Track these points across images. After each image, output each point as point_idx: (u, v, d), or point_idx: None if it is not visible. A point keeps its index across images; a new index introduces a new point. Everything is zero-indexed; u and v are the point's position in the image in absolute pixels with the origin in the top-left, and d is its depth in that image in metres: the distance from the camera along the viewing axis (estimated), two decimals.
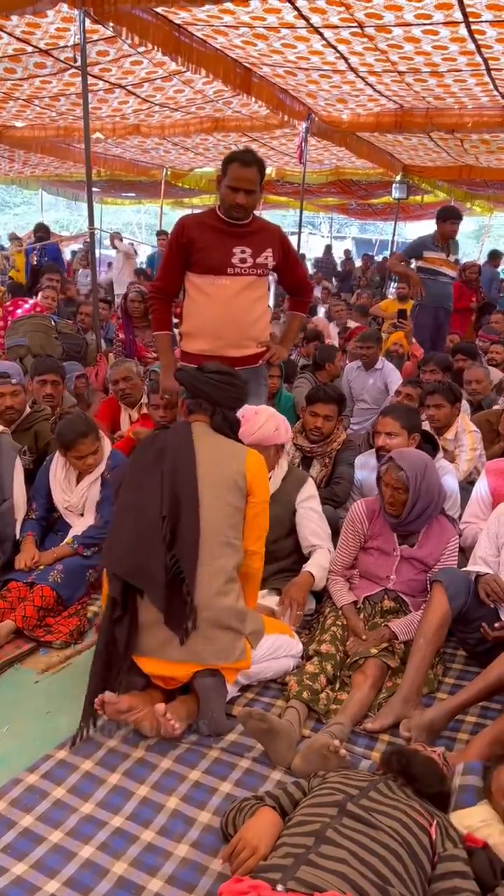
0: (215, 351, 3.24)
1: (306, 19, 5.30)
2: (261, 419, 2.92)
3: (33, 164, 11.96)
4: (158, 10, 5.20)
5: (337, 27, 5.43)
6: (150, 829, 1.95)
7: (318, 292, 12.11)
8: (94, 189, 13.81)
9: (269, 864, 1.61)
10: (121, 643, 2.27)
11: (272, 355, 3.45)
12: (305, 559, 3.03)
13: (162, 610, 2.23)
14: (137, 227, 23.28)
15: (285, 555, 3.02)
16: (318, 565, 2.91)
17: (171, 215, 18.68)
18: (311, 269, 15.03)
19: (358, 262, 15.94)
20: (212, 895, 1.74)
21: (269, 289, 3.51)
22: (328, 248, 16.87)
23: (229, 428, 2.56)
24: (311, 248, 19.48)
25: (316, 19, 5.31)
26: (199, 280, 3.23)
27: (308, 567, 2.91)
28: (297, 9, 5.08)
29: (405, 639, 2.65)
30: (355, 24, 5.32)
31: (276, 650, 2.53)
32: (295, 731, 2.26)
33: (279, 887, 1.50)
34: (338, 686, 2.56)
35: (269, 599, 2.84)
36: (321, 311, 10.71)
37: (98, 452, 3.21)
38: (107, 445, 3.31)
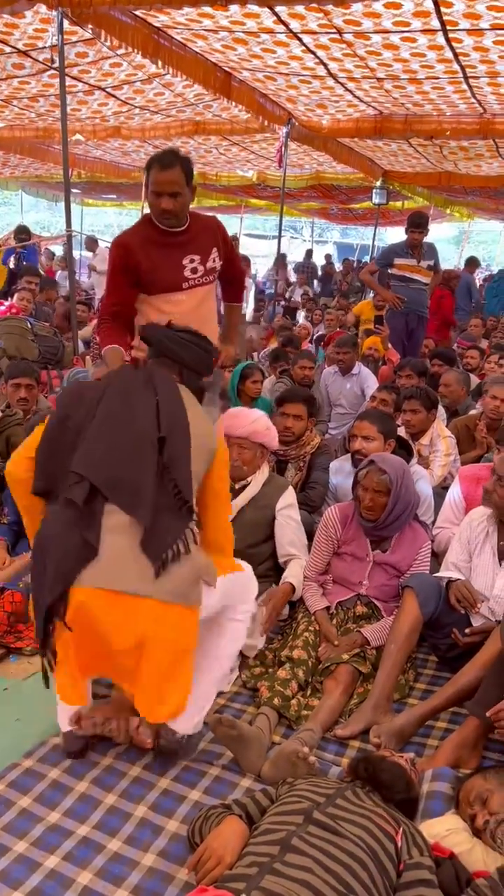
0: None
1: (285, 24, 5.32)
2: (254, 415, 2.98)
3: (13, 165, 11.89)
4: (138, 12, 5.19)
5: (316, 33, 5.45)
6: (116, 838, 1.93)
7: (298, 296, 12.14)
8: (74, 190, 13.81)
9: (234, 874, 1.60)
10: (72, 553, 1.92)
11: (224, 358, 3.27)
12: (278, 566, 3.03)
13: (148, 526, 1.96)
14: (119, 228, 23.21)
15: (260, 561, 2.99)
16: (296, 576, 2.92)
17: None
18: (292, 274, 15.05)
19: (339, 266, 15.98)
20: None
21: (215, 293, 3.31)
22: (309, 253, 16.91)
23: (198, 387, 2.36)
24: (291, 251, 19.53)
25: (295, 25, 5.33)
26: (155, 299, 2.97)
27: (288, 578, 2.90)
28: (275, 14, 5.10)
29: (377, 644, 2.65)
30: (334, 31, 5.35)
31: (229, 601, 2.25)
32: (265, 737, 2.26)
33: None
34: (309, 692, 2.55)
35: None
36: (301, 315, 10.73)
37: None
38: None
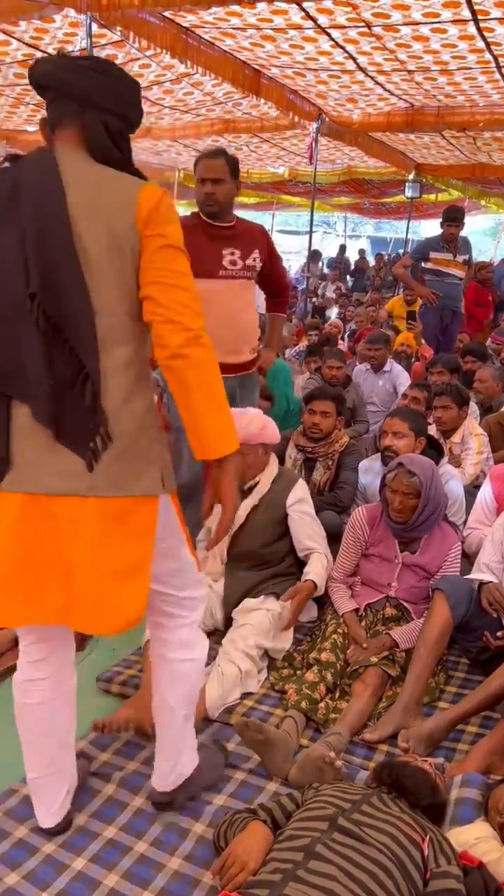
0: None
1: (313, 20, 5.28)
2: (245, 418, 2.89)
3: None
4: (166, 13, 5.20)
5: (344, 27, 5.40)
6: (143, 840, 1.94)
7: (331, 292, 12.07)
8: None
9: (258, 880, 1.59)
10: None
11: (263, 361, 3.40)
12: (300, 562, 3.01)
13: (49, 423, 1.55)
14: None
15: (278, 559, 2.99)
16: (318, 573, 2.89)
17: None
18: (325, 269, 15.00)
19: (372, 261, 15.86)
20: None
21: (254, 293, 3.44)
22: (342, 248, 16.82)
23: (116, 147, 1.64)
24: (325, 247, 19.42)
25: (323, 20, 5.29)
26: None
27: (309, 576, 2.88)
28: (303, 10, 5.07)
29: (406, 647, 2.62)
30: (363, 24, 5.29)
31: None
32: (292, 741, 2.25)
33: None
34: (337, 695, 2.53)
35: (268, 604, 2.81)
36: (334, 311, 10.66)
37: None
38: None
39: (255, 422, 2.92)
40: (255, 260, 3.22)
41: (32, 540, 1.56)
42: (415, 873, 1.63)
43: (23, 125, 8.88)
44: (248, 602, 2.79)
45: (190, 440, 1.63)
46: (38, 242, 1.52)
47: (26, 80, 6.42)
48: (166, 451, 1.70)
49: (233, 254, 3.16)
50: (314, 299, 11.06)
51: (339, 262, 15.23)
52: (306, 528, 3.00)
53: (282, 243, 18.08)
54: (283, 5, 4.99)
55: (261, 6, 5.03)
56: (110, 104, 1.62)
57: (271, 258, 3.35)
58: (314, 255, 14.48)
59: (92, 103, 1.60)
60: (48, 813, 1.92)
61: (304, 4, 4.95)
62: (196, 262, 3.02)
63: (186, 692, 1.90)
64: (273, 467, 3.07)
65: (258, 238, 3.28)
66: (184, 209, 15.48)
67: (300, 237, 21.66)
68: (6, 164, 1.61)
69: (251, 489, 3.01)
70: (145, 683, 2.42)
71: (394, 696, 2.49)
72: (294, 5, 4.98)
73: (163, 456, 1.67)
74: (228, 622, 2.84)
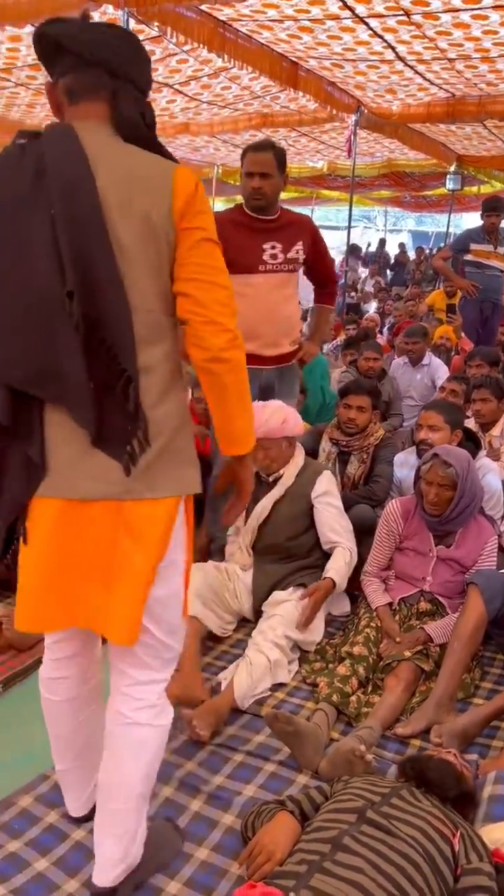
0: (251, 351, 3.18)
1: (351, 10, 5.22)
2: (266, 412, 2.87)
3: None
4: (203, 7, 5.20)
5: (383, 16, 5.32)
6: None
7: (369, 287, 11.98)
8: None
9: (284, 871, 1.58)
10: (16, 479, 1.49)
11: (305, 353, 3.39)
12: (328, 555, 2.98)
13: (90, 426, 1.45)
14: None
15: (305, 552, 2.97)
16: (338, 570, 2.84)
17: None
18: (360, 265, 14.87)
19: (412, 255, 15.68)
20: None
21: (297, 285, 3.42)
22: (382, 242, 16.67)
23: (145, 124, 1.52)
24: (365, 242, 19.25)
25: (361, 9, 5.22)
26: (232, 279, 3.09)
27: (329, 573, 2.84)
28: (342, 0, 5.02)
29: (440, 642, 2.58)
30: (401, 13, 5.21)
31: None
32: (323, 734, 2.23)
33: (291, 894, 1.47)
34: (370, 689, 2.51)
35: (297, 595, 2.80)
36: (373, 306, 10.57)
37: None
38: None
39: (276, 415, 2.89)
40: (297, 252, 3.19)
41: (69, 546, 1.49)
42: (444, 868, 1.60)
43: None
44: (278, 594, 2.78)
45: (219, 437, 1.60)
46: (71, 233, 1.38)
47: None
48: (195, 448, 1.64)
49: (274, 247, 3.13)
50: (352, 294, 10.97)
51: (379, 257, 15.08)
52: (330, 520, 2.96)
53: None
54: None
55: None
56: (138, 78, 1.50)
57: (317, 249, 3.32)
58: (353, 250, 14.38)
59: (123, 74, 1.47)
60: (76, 803, 1.91)
61: None
62: (235, 256, 3.01)
63: (148, 764, 1.64)
64: (298, 459, 3.03)
65: (303, 229, 3.24)
66: (223, 205, 15.54)
67: (340, 232, 21.52)
68: (22, 141, 1.45)
69: (275, 481, 2.99)
70: (186, 658, 2.42)
71: (427, 691, 2.45)
72: None
73: (195, 455, 1.62)
74: (258, 615, 2.83)
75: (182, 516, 1.59)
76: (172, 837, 1.89)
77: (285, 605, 2.71)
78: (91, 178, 1.41)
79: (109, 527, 1.49)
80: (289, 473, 2.99)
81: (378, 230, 22.27)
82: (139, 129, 1.50)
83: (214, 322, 1.49)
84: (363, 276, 13.92)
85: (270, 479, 3.01)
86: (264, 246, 3.12)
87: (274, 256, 3.14)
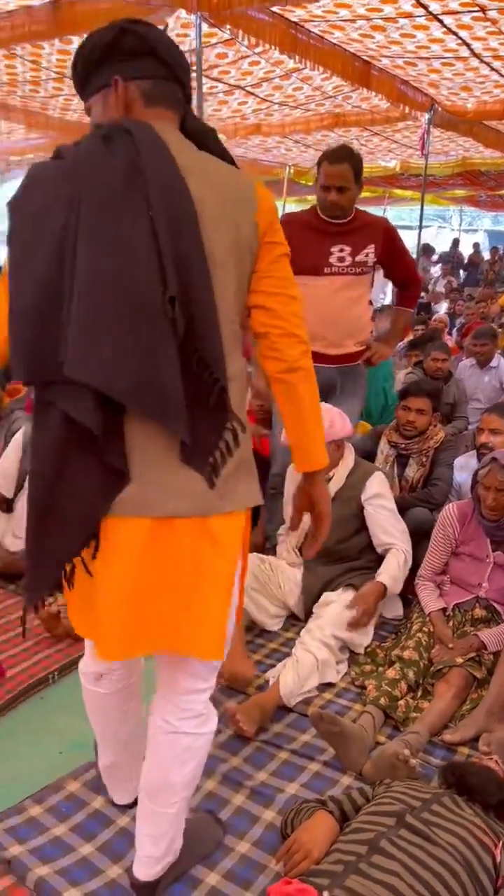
0: (314, 350, 3.17)
1: (424, 7, 5.15)
2: None
3: None
4: (274, 9, 5.22)
5: (457, 13, 5.24)
6: None
7: (441, 287, 11.80)
8: None
9: (320, 869, 1.59)
10: (95, 487, 1.38)
11: (374, 355, 3.34)
12: (380, 556, 2.97)
13: (187, 438, 1.38)
14: None
15: (355, 553, 2.96)
16: (390, 573, 2.82)
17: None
18: (437, 264, 14.64)
19: (487, 255, 15.34)
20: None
21: (370, 286, 3.39)
22: (455, 242, 16.36)
23: (211, 130, 1.53)
24: (439, 242, 18.94)
25: (435, 6, 5.15)
26: (297, 280, 3.10)
27: (381, 576, 2.82)
28: None
29: (494, 649, 2.53)
30: (477, 9, 5.11)
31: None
32: (368, 736, 2.22)
33: (325, 893, 1.48)
34: (420, 694, 2.48)
35: (346, 595, 2.80)
36: (444, 306, 10.39)
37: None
38: None
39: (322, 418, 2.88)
40: (367, 255, 3.16)
41: (155, 566, 1.42)
42: (484, 878, 1.57)
43: None
44: (328, 595, 2.79)
45: (296, 452, 1.60)
46: (171, 238, 1.34)
47: None
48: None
49: (342, 250, 3.12)
50: (423, 294, 10.82)
51: (452, 257, 14.81)
52: (383, 522, 2.93)
53: None
54: None
55: None
56: (189, 84, 1.51)
57: (394, 250, 3.30)
58: (427, 250, 14.16)
59: (186, 86, 1.48)
60: (120, 792, 1.95)
61: None
62: (301, 258, 3.00)
63: (193, 770, 1.65)
64: (348, 461, 3.01)
65: (376, 231, 3.22)
66: (294, 206, 15.54)
67: (413, 232, 21.26)
68: (103, 132, 1.38)
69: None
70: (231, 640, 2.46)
71: (478, 698, 2.41)
72: None
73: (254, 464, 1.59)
74: (308, 615, 2.85)
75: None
76: (213, 830, 1.92)
77: (334, 605, 2.71)
78: (186, 185, 1.38)
79: (194, 544, 1.43)
80: (338, 476, 2.97)
81: (453, 230, 21.86)
82: (208, 138, 1.50)
83: (292, 334, 1.51)
84: (436, 276, 13.71)
85: None
86: (332, 249, 3.11)
87: (341, 259, 3.13)
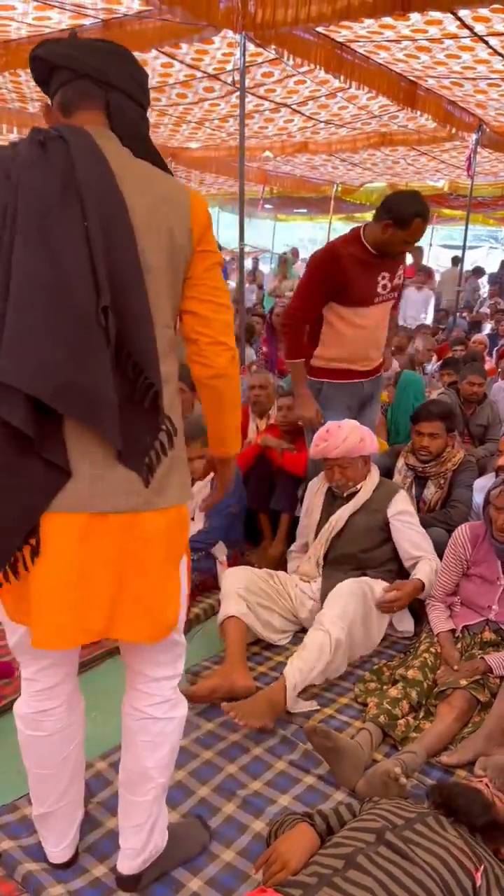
0: (356, 369, 3.35)
1: (469, 28, 5.16)
2: (344, 431, 2.96)
3: (208, 184, 12.50)
4: (319, 29, 5.29)
5: (502, 34, 5.23)
6: None
7: (486, 308, 11.68)
8: (267, 206, 14.20)
9: (295, 880, 1.59)
10: (36, 483, 1.41)
11: (385, 363, 3.52)
12: (401, 567, 2.99)
13: (117, 440, 1.43)
14: (311, 242, 23.58)
15: (378, 564, 3.01)
16: (426, 574, 2.89)
17: (342, 230, 18.76)
18: (485, 285, 14.46)
19: None
20: None
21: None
22: None
23: (146, 135, 1.56)
24: (490, 262, 18.74)
25: (480, 28, 5.16)
26: (345, 311, 3.19)
27: (418, 574, 2.89)
28: (459, 19, 4.97)
29: (501, 673, 2.49)
30: None
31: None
32: (364, 753, 2.21)
33: None
34: (422, 714, 2.46)
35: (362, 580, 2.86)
36: (487, 327, 10.28)
37: (205, 458, 3.28)
38: None
39: (353, 434, 2.98)
40: (399, 277, 3.31)
41: (89, 560, 1.46)
42: None
43: (185, 143, 9.32)
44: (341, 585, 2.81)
45: (212, 440, 1.76)
46: (105, 247, 1.38)
47: (188, 100, 6.62)
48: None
49: (384, 278, 3.23)
50: (464, 315, 10.72)
51: (501, 278, 14.62)
52: (412, 536, 2.99)
53: (441, 258, 17.66)
54: (438, 15, 4.93)
55: (414, 17, 4.99)
56: (133, 90, 1.52)
57: (404, 266, 3.45)
58: (476, 271, 14.02)
59: (113, 85, 1.49)
60: (58, 847, 1.81)
61: (460, 13, 4.86)
62: (355, 292, 3.15)
63: (166, 755, 1.70)
64: (374, 476, 3.10)
65: (400, 260, 3.35)
66: (342, 224, 15.58)
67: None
68: (40, 138, 1.41)
69: (349, 497, 3.03)
70: (230, 654, 2.58)
71: (480, 722, 2.38)
72: (449, 15, 4.90)
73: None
74: None
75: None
76: (199, 833, 1.93)
77: (349, 581, 2.78)
78: (121, 194, 1.42)
79: (127, 538, 1.49)
80: (366, 488, 3.05)
81: None
82: (142, 139, 1.53)
83: (219, 342, 1.57)
84: (483, 296, 13.57)
85: (345, 494, 3.05)
86: (378, 279, 3.21)
87: (385, 287, 3.25)
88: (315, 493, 3.20)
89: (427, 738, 2.29)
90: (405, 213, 3.01)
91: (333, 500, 3.11)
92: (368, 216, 16.69)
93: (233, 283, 11.19)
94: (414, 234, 3.07)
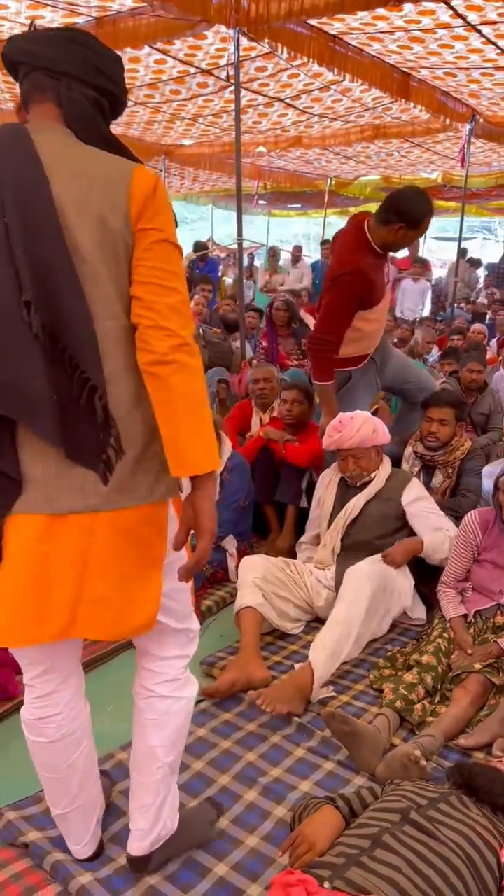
0: (367, 352, 3.47)
1: (462, 18, 5.17)
2: (357, 422, 2.99)
3: (202, 180, 12.49)
4: (312, 22, 5.29)
5: (495, 22, 5.24)
6: (225, 817, 1.99)
7: (483, 298, 11.70)
8: (261, 202, 14.18)
9: (322, 861, 1.61)
10: None
11: None
12: (415, 557, 3.02)
13: (56, 440, 1.41)
14: (304, 237, 23.58)
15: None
16: (432, 541, 2.93)
17: (337, 224, 18.75)
18: (482, 275, 14.46)
19: None
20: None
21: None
22: None
23: (101, 118, 1.52)
24: (484, 253, 18.76)
25: (473, 17, 5.17)
26: (365, 313, 3.29)
27: (424, 536, 2.94)
28: (452, 8, 4.98)
29: None
30: None
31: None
32: (382, 738, 2.23)
33: (326, 884, 1.50)
34: (437, 699, 2.48)
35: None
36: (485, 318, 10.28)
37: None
38: (227, 446, 3.41)
39: (366, 425, 3.02)
40: (390, 260, 3.54)
41: (48, 560, 1.45)
42: (488, 877, 1.58)
43: (178, 139, 9.31)
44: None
45: (168, 452, 1.46)
46: (26, 241, 1.35)
47: (181, 97, 6.62)
48: None
49: (385, 268, 3.41)
50: (461, 306, 10.72)
51: (499, 269, 14.61)
52: (430, 520, 3.02)
53: (436, 250, 17.67)
54: (431, 5, 4.94)
55: (408, 7, 5.00)
56: (89, 76, 1.48)
57: None
58: (473, 262, 14.00)
59: (66, 73, 1.46)
60: (78, 846, 1.82)
61: (453, 3, 4.86)
62: (377, 294, 3.28)
63: (172, 735, 1.69)
64: (387, 465, 3.14)
65: None
66: (336, 218, 15.59)
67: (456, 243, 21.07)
68: None
69: (363, 486, 3.05)
70: (245, 645, 2.63)
71: (496, 704, 2.40)
72: (442, 4, 4.90)
73: None
74: None
75: (174, 521, 1.56)
76: (207, 811, 1.94)
77: (365, 560, 2.83)
78: (45, 183, 1.38)
79: (91, 538, 1.45)
80: (380, 477, 3.09)
81: (498, 241, 21.64)
82: (93, 127, 1.48)
83: (161, 326, 1.41)
84: (479, 287, 13.57)
85: (358, 484, 3.07)
86: (385, 271, 3.40)
87: (387, 277, 3.43)
88: (327, 484, 3.22)
89: (444, 721, 2.31)
90: (417, 215, 3.13)
91: (347, 489, 3.13)
92: (362, 209, 16.62)
93: (229, 280, 11.21)
94: (424, 230, 3.31)
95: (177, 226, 1.51)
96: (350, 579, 2.72)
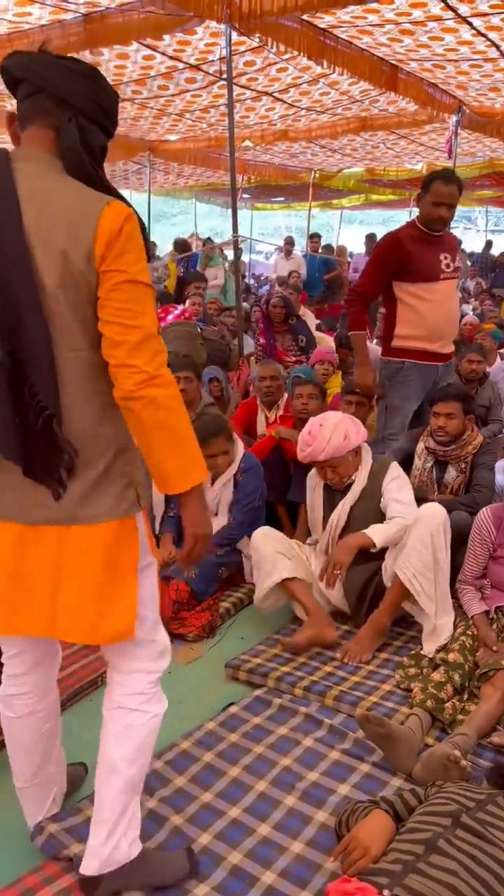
0: (434, 350, 3.63)
1: (453, 10, 5.16)
2: (326, 431, 2.93)
3: (186, 175, 12.42)
4: (304, 16, 5.25)
5: (486, 14, 5.24)
6: (266, 823, 1.99)
7: (471, 286, 11.75)
8: (244, 196, 14.14)
9: (378, 868, 1.61)
10: None
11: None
12: None
13: (18, 461, 1.51)
14: (287, 229, 23.55)
15: (380, 552, 2.94)
16: (379, 532, 2.87)
17: (320, 217, 18.73)
18: (467, 264, 14.52)
19: None
20: (323, 894, 1.76)
21: None
22: (489, 244, 16.22)
23: (89, 157, 1.52)
24: (466, 242, 18.82)
25: (464, 9, 5.16)
26: (415, 288, 3.54)
27: (368, 530, 2.88)
28: (443, 0, 4.97)
29: None
30: None
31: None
32: (416, 738, 2.23)
33: (385, 892, 1.50)
34: (466, 697, 2.49)
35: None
36: (469, 309, 10.31)
37: (229, 453, 3.29)
38: (239, 448, 3.39)
39: (336, 432, 2.94)
40: (458, 261, 3.68)
41: (24, 563, 1.56)
42: None
43: (164, 135, 9.24)
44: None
45: (153, 473, 1.58)
46: None
47: (169, 92, 6.59)
48: (141, 469, 1.63)
49: (446, 257, 3.58)
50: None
51: (484, 259, 14.69)
52: (391, 503, 2.96)
53: None
54: None
55: (399, 0, 4.99)
56: (92, 112, 1.52)
57: None
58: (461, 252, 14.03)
59: (71, 104, 1.49)
60: (34, 820, 1.93)
61: None
62: (420, 267, 3.48)
63: (134, 749, 1.69)
64: (367, 460, 3.09)
65: (455, 243, 3.77)
66: (319, 210, 15.58)
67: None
68: None
69: (348, 488, 3.04)
70: (312, 609, 2.90)
71: None
72: None
73: (139, 476, 1.63)
74: (353, 608, 3.00)
75: (143, 528, 1.65)
76: (180, 864, 1.83)
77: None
78: (18, 216, 1.41)
79: (58, 548, 1.55)
80: (360, 476, 3.06)
81: (479, 230, 21.73)
82: (81, 163, 1.50)
83: (126, 364, 1.47)
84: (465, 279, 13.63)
85: (343, 487, 3.07)
86: (440, 257, 3.56)
87: (448, 265, 3.59)
88: (314, 488, 3.18)
89: (476, 719, 2.32)
90: (427, 180, 3.54)
91: (333, 492, 3.10)
92: (346, 202, 16.58)
93: (219, 281, 11.12)
94: (437, 195, 3.46)
95: (149, 260, 1.57)
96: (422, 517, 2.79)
